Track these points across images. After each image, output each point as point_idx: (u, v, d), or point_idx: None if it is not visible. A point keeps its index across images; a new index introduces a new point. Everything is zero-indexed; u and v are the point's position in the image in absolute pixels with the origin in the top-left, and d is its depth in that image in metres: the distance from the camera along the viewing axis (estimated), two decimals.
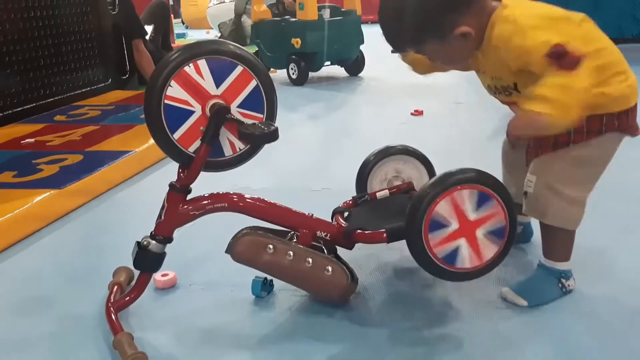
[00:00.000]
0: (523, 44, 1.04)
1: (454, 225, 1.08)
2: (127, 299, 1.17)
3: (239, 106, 1.14)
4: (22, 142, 2.43)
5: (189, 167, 1.15)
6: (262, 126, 1.11)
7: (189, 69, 1.10)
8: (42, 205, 1.76)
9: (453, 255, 1.09)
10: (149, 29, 4.16)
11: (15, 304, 1.31)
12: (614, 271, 1.34)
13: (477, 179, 1.09)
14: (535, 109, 1.01)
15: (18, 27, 2.97)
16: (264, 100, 1.16)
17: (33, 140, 2.45)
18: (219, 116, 1.12)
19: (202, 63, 1.11)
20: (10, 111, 2.85)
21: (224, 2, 7.45)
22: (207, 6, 7.93)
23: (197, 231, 1.37)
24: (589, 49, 1.05)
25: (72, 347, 1.13)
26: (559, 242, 1.21)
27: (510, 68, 1.11)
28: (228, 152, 1.16)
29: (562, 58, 1.00)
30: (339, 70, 4.28)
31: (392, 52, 1.23)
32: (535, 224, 1.35)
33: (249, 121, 1.14)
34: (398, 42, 1.17)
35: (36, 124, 2.75)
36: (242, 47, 1.16)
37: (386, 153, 1.48)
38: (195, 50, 1.11)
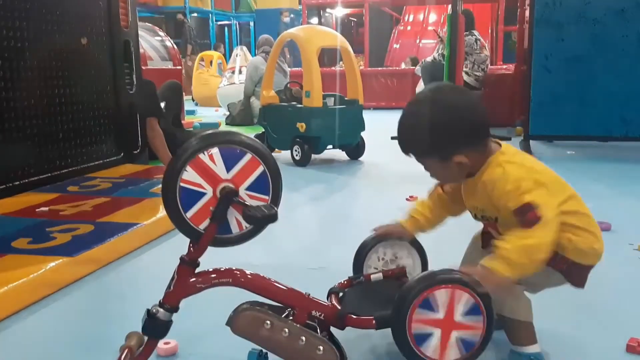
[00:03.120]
0: (504, 189, 1.23)
1: (438, 317, 1.22)
2: None
3: (247, 189, 1.27)
4: (36, 210, 2.56)
5: (198, 243, 1.27)
6: (264, 209, 1.23)
7: (204, 156, 1.24)
8: (54, 271, 1.87)
9: (425, 339, 1.23)
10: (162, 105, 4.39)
11: None
12: (584, 357, 1.43)
13: (460, 280, 1.23)
14: (497, 268, 1.18)
15: (41, 102, 3.17)
16: (269, 183, 1.29)
17: (47, 209, 2.58)
18: (227, 198, 1.24)
19: (215, 151, 1.25)
20: (26, 180, 3.00)
21: (234, 83, 7.81)
22: (217, 86, 8.29)
23: (199, 303, 1.46)
24: (565, 207, 1.25)
25: None
26: (517, 328, 1.32)
27: (493, 205, 1.28)
28: (235, 230, 1.28)
29: (524, 215, 1.18)
30: (340, 154, 4.46)
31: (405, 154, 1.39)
32: None
33: (256, 202, 1.27)
34: (406, 147, 1.35)
35: (50, 193, 2.88)
36: (252, 137, 1.30)
37: (384, 236, 1.59)
38: (210, 140, 1.25)
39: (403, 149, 1.36)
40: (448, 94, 1.32)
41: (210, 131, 1.31)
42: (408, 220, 1.52)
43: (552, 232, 1.18)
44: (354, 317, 1.31)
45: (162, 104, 4.41)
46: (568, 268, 1.29)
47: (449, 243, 2.27)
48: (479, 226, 1.47)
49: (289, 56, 6.45)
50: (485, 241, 1.44)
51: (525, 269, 1.19)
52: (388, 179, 3.74)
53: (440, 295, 1.21)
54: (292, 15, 12.30)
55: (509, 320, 1.32)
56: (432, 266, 1.49)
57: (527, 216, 1.18)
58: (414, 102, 1.36)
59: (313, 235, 2.57)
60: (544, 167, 1.31)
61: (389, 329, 1.27)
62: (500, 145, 1.33)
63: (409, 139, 1.33)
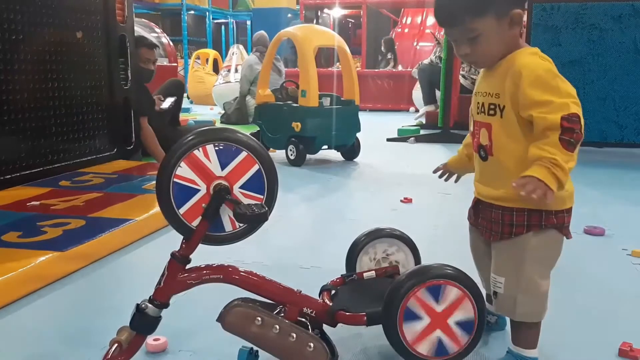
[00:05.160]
0: (540, 78, 1.18)
1: (427, 317, 1.22)
2: (121, 357, 1.24)
3: (241, 187, 1.26)
4: (27, 204, 2.54)
5: (190, 240, 1.25)
6: (255, 208, 1.22)
7: (198, 152, 1.23)
8: (44, 266, 1.85)
9: (416, 334, 1.22)
10: (170, 100, 4.38)
11: None
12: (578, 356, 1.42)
13: (454, 276, 1.21)
14: (550, 184, 1.13)
15: (35, 96, 3.15)
16: (265, 183, 1.28)
17: (38, 203, 2.56)
18: (219, 196, 1.23)
19: (210, 148, 1.24)
20: (18, 174, 2.98)
21: (229, 82, 7.79)
22: (213, 84, 8.28)
23: (189, 299, 1.45)
24: None
25: None
26: (526, 332, 1.31)
27: (511, 92, 1.22)
28: (228, 228, 1.27)
29: (571, 134, 1.14)
30: (335, 154, 4.45)
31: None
32: None
33: (249, 202, 1.25)
34: (456, 12, 1.25)
35: (42, 188, 2.86)
36: (249, 135, 1.29)
37: (376, 235, 1.59)
38: (205, 137, 1.24)
39: (448, 15, 1.27)
40: None
41: (206, 127, 1.30)
42: (454, 159, 1.54)
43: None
44: (345, 313, 1.30)
45: (172, 100, 4.41)
46: (560, 220, 1.26)
47: (441, 243, 2.28)
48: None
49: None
50: (472, 217, 1.42)
51: (563, 185, 1.16)
52: (383, 180, 3.74)
53: (432, 290, 1.20)
54: (289, 15, 12.28)
55: (519, 322, 1.30)
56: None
57: (573, 133, 1.13)
58: None
59: (306, 235, 2.56)
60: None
61: (380, 328, 1.26)
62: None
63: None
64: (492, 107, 1.27)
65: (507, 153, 1.25)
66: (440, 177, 1.59)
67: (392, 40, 10.66)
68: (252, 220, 1.22)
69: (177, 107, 4.66)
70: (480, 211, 1.35)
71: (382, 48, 10.41)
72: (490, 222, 1.31)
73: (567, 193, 1.25)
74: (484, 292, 1.36)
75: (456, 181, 1.59)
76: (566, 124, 1.14)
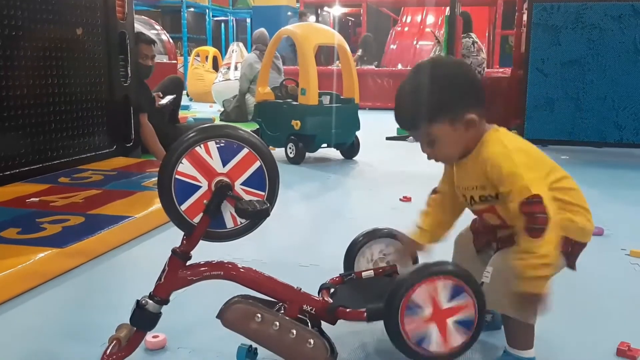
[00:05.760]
0: (509, 170, 1.20)
1: (428, 311, 1.20)
2: (120, 354, 1.24)
3: (243, 184, 1.26)
4: (27, 200, 2.54)
5: (191, 236, 1.25)
6: (256, 204, 1.22)
7: (200, 149, 1.23)
8: (44, 262, 1.85)
9: (424, 338, 1.21)
10: (168, 97, 4.38)
11: (15, 358, 1.38)
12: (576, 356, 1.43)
13: (457, 272, 1.21)
14: (530, 289, 1.18)
15: (34, 92, 3.14)
16: (266, 179, 1.28)
17: (37, 199, 2.56)
18: (221, 192, 1.24)
19: (211, 144, 1.24)
20: (17, 170, 2.98)
21: (229, 79, 7.78)
22: (213, 82, 8.26)
23: (189, 296, 1.46)
24: (562, 184, 1.26)
25: None
26: (519, 331, 1.30)
27: (493, 184, 1.25)
28: (230, 224, 1.27)
29: (533, 220, 1.16)
30: (334, 153, 4.45)
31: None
32: None
33: (251, 198, 1.25)
34: (411, 116, 1.30)
35: (41, 184, 2.86)
36: (250, 132, 1.29)
37: (374, 235, 1.59)
38: (207, 133, 1.24)
39: (406, 120, 1.32)
40: (446, 60, 1.37)
41: (207, 124, 1.30)
42: (419, 234, 1.48)
43: (557, 228, 1.17)
44: (346, 310, 1.29)
45: (171, 97, 4.41)
46: (571, 249, 1.28)
47: (440, 243, 2.27)
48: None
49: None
50: (478, 242, 1.43)
51: (552, 270, 1.20)
52: (382, 179, 3.74)
53: (433, 287, 1.20)
54: (289, 13, 12.28)
55: (512, 321, 1.29)
56: None
57: (535, 218, 1.16)
58: (412, 72, 1.32)
59: (305, 233, 2.56)
60: (534, 147, 1.32)
61: (380, 325, 1.26)
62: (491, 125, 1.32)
63: (415, 105, 1.28)
64: (483, 198, 1.31)
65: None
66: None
67: (367, 37, 10.44)
68: (254, 216, 1.22)
69: (176, 105, 4.66)
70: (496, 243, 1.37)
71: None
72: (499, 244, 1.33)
73: (589, 226, 1.30)
74: None
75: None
76: (525, 209, 1.17)
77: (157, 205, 1.24)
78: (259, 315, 1.24)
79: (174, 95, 4.50)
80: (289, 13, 12.27)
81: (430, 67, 1.29)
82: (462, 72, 1.31)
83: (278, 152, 4.28)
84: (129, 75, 3.88)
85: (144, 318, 1.25)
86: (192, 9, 14.70)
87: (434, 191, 1.49)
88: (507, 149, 1.24)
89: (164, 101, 4.39)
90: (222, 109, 7.03)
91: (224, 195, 1.24)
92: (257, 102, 4.49)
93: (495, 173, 1.23)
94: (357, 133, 4.37)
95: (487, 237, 1.40)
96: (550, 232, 1.16)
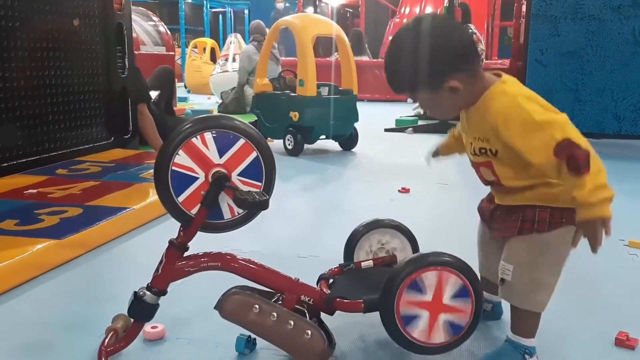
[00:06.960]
0: (520, 119, 1.16)
1: (428, 297, 1.20)
2: (118, 345, 1.25)
3: (239, 175, 1.26)
4: (24, 192, 2.53)
5: (188, 227, 1.25)
6: (255, 195, 1.22)
7: (196, 140, 1.23)
8: (42, 254, 1.85)
9: (412, 321, 1.21)
10: (154, 94, 4.35)
11: (12, 349, 1.38)
12: (574, 350, 1.43)
13: (452, 263, 1.21)
14: (599, 213, 1.17)
15: (31, 84, 3.13)
16: (263, 170, 1.27)
17: (35, 191, 2.55)
18: (218, 183, 1.23)
19: (208, 135, 1.23)
20: (15, 162, 2.97)
21: (227, 71, 7.76)
22: (210, 74, 8.24)
23: (187, 287, 1.46)
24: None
25: None
26: (527, 321, 1.31)
27: (497, 136, 1.21)
28: (227, 215, 1.27)
29: (574, 160, 1.12)
30: (333, 144, 4.45)
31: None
32: (505, 304, 1.44)
33: (248, 189, 1.25)
34: (396, 86, 1.29)
35: (38, 176, 2.86)
36: (246, 123, 1.28)
37: (374, 225, 1.59)
38: (203, 124, 1.23)
39: (394, 89, 1.31)
40: (429, 21, 1.24)
41: (204, 115, 1.30)
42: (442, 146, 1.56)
43: (595, 156, 1.15)
44: (343, 301, 1.29)
45: (156, 92, 4.38)
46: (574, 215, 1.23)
47: (439, 233, 2.27)
48: (468, 224, 1.46)
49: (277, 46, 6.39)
50: (485, 222, 1.43)
51: (613, 193, 1.18)
52: (380, 170, 3.74)
53: (428, 277, 1.20)
54: (287, 4, 12.21)
55: (520, 310, 1.29)
56: None
57: (574, 157, 1.12)
58: (395, 36, 1.28)
59: (304, 224, 2.56)
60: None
61: (376, 316, 1.26)
62: (500, 75, 1.28)
63: (397, 77, 1.27)
64: (483, 150, 1.27)
65: (518, 180, 1.25)
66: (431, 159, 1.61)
67: (356, 31, 10.30)
68: (253, 207, 1.22)
69: (169, 95, 4.62)
70: (498, 216, 1.35)
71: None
72: (507, 223, 1.30)
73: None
74: (479, 275, 1.36)
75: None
76: (562, 155, 1.13)
77: (155, 196, 1.24)
78: (257, 306, 1.24)
79: (159, 92, 4.43)
80: (287, 4, 12.20)
81: (409, 33, 1.24)
82: (444, 30, 1.23)
83: (276, 144, 4.27)
84: (127, 67, 3.86)
85: (141, 309, 1.25)
86: (189, 1, 14.65)
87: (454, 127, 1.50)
88: (517, 91, 1.21)
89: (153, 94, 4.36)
90: (220, 101, 7.01)
91: (221, 186, 1.23)
92: (255, 93, 4.47)
93: (505, 132, 1.18)
94: (356, 125, 4.36)
95: (487, 213, 1.39)
96: (593, 162, 1.14)
